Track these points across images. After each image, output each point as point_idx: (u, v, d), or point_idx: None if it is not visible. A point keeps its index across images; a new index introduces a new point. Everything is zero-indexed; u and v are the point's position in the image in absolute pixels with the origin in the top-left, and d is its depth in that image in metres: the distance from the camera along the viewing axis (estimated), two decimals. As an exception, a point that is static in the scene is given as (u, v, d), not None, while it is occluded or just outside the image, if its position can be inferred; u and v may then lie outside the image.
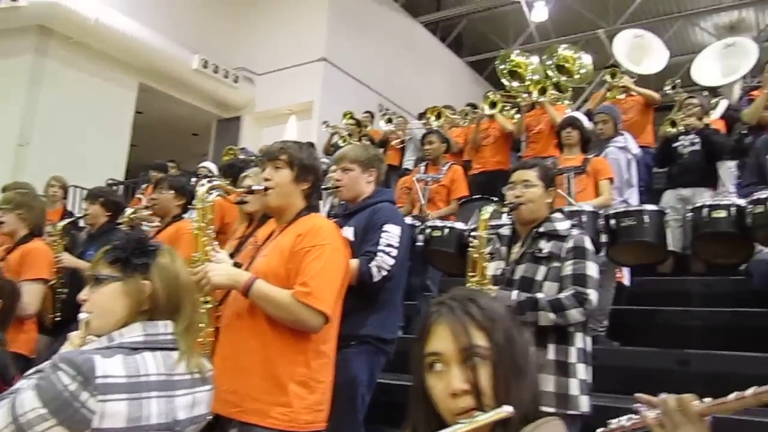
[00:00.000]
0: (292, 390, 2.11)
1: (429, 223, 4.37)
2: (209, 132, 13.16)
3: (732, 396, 1.06)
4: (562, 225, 2.56)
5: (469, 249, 2.55)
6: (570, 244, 2.49)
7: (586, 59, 7.16)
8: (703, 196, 4.73)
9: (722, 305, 4.36)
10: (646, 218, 3.72)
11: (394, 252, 2.78)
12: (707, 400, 1.10)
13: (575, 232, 2.55)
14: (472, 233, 2.56)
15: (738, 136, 5.53)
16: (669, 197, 5.01)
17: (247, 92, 12.58)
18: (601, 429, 1.33)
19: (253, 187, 2.41)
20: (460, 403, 1.11)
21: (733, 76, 6.86)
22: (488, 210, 2.57)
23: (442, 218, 4.86)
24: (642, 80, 6.78)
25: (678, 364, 3.53)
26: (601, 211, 3.89)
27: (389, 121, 8.14)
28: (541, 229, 2.57)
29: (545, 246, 2.51)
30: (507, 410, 1.06)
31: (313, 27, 12.09)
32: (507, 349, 1.13)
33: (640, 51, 7.00)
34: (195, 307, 1.79)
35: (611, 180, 4.36)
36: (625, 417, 1.29)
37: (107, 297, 1.65)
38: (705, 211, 3.64)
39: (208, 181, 2.48)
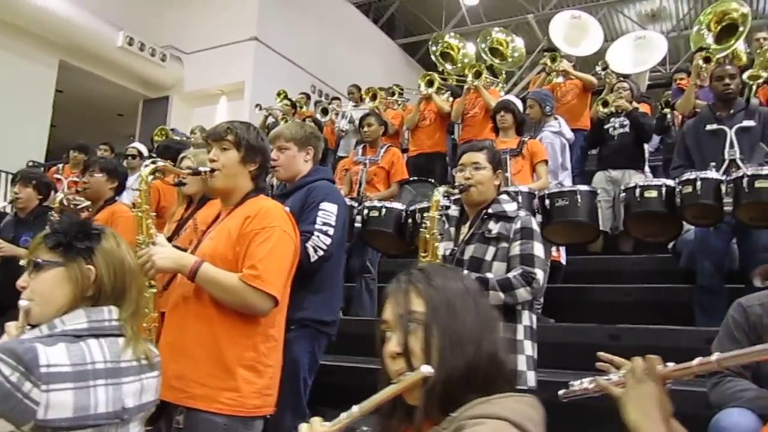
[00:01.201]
0: (240, 374, 2.07)
1: (367, 204, 4.38)
2: (135, 112, 12.74)
3: (695, 361, 1.11)
4: (510, 206, 2.62)
5: (421, 229, 2.55)
6: (518, 225, 2.54)
7: (519, 42, 7.30)
8: (633, 178, 4.93)
9: (649, 282, 4.57)
10: (579, 198, 3.84)
11: (331, 231, 2.75)
12: (670, 364, 1.16)
13: (522, 213, 2.61)
14: (424, 214, 2.56)
15: (659, 115, 5.79)
16: (599, 178, 5.18)
17: (176, 71, 12.22)
18: (563, 390, 1.38)
19: (200, 169, 2.32)
20: (395, 365, 1.17)
21: (642, 67, 7.22)
22: (440, 191, 2.58)
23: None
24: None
25: (609, 338, 3.68)
26: (536, 192, 3.99)
27: (324, 112, 8.05)
28: (490, 210, 2.61)
29: (494, 227, 2.56)
30: (425, 370, 1.10)
31: (245, 5, 11.86)
32: (444, 316, 1.16)
33: (577, 32, 7.18)
34: (140, 292, 1.74)
35: (546, 162, 4.47)
36: (587, 379, 1.35)
37: (49, 283, 1.58)
38: (637, 191, 3.78)
39: (152, 162, 2.39)
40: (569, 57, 6.69)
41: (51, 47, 10.49)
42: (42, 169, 9.74)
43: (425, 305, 1.17)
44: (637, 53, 7.00)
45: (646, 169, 5.54)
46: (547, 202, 3.88)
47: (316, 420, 1.15)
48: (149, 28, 11.70)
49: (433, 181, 5.85)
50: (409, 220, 4.13)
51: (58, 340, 1.48)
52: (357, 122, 7.42)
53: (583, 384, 1.37)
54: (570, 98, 6.26)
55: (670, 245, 4.39)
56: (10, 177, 9.14)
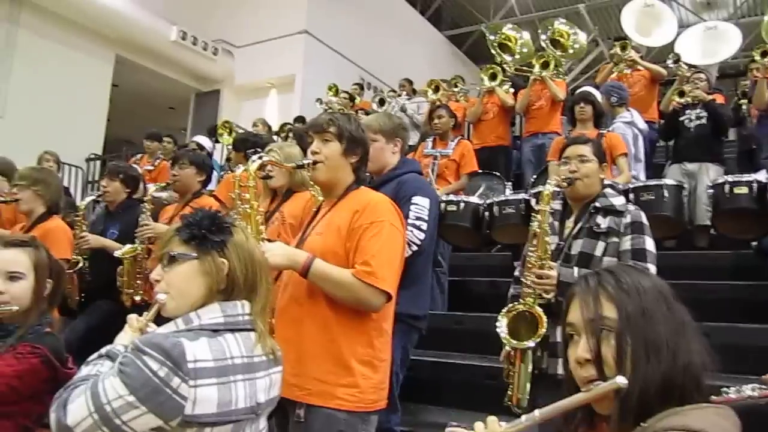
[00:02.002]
0: (358, 370, 2.06)
1: (443, 198, 4.32)
2: (187, 105, 12.89)
3: None
4: (618, 200, 2.56)
5: (531, 223, 2.50)
6: (628, 219, 2.48)
7: (582, 36, 7.10)
8: (710, 171, 4.78)
9: (729, 279, 4.42)
10: (666, 193, 3.74)
11: (424, 225, 2.73)
12: None
13: (631, 207, 2.55)
14: (535, 207, 2.51)
15: (734, 106, 5.59)
16: (674, 171, 5.03)
17: (227, 65, 12.32)
18: (715, 398, 1.31)
19: (303, 162, 2.30)
20: (583, 372, 1.13)
21: (712, 59, 6.89)
22: (552, 184, 2.52)
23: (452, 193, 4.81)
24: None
25: (701, 336, 3.56)
26: (619, 186, 3.89)
27: (381, 102, 8.02)
28: (598, 204, 2.55)
29: (603, 221, 2.50)
30: (620, 381, 1.05)
31: (294, -1, 11.86)
32: (639, 323, 1.10)
33: (650, 20, 6.95)
34: (269, 286, 1.71)
35: (626, 155, 4.36)
36: (749, 386, 1.28)
37: (184, 276, 1.57)
38: (726, 187, 3.66)
39: (258, 158, 2.37)
40: (637, 47, 6.51)
41: (108, 42, 10.69)
42: (100, 161, 9.99)
43: (617, 311, 1.12)
44: (707, 44, 6.72)
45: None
46: (632, 196, 3.79)
47: (493, 420, 1.12)
48: (201, 22, 11.82)
49: (498, 174, 5.79)
50: (486, 214, 4.07)
51: (198, 334, 1.48)
52: (409, 113, 7.42)
53: (743, 391, 1.30)
54: (638, 89, 6.10)
55: (754, 243, 4.24)
56: (72, 169, 9.40)
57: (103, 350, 1.59)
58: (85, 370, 1.53)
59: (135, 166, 6.18)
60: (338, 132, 2.26)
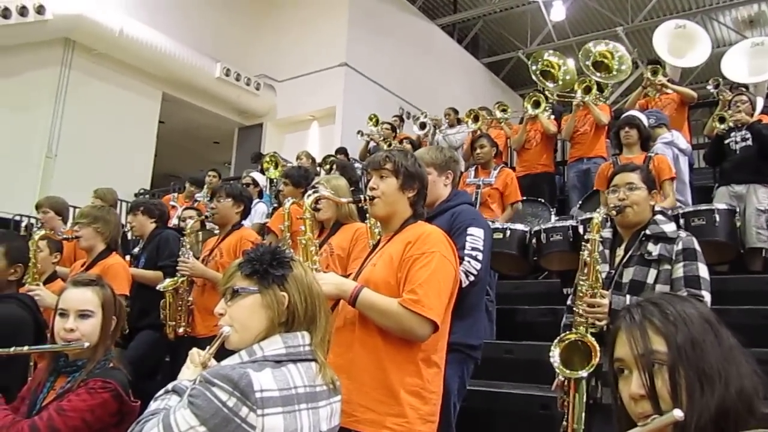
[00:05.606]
0: (406, 400, 2.08)
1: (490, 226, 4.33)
2: (231, 140, 13.19)
3: None
4: (669, 227, 2.53)
5: (582, 252, 2.50)
6: (679, 246, 2.46)
7: (624, 52, 6.98)
8: (758, 192, 4.69)
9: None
10: (717, 217, 3.67)
11: (480, 256, 2.73)
12: None
13: (683, 234, 2.52)
14: (585, 236, 2.51)
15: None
16: (722, 194, 4.94)
17: (269, 99, 12.60)
18: None
19: (360, 197, 2.37)
20: (638, 408, 1.12)
21: (760, 76, 6.70)
22: (601, 213, 2.52)
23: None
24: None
25: (758, 363, 3.46)
26: (669, 211, 3.84)
27: (423, 126, 8.09)
28: (648, 232, 2.53)
29: (654, 248, 2.48)
30: (676, 415, 1.04)
31: (334, 32, 12.12)
32: (690, 354, 1.10)
33: (683, 42, 6.85)
34: (328, 317, 1.76)
35: (672, 180, 4.30)
36: None
37: (247, 310, 1.62)
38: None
39: (313, 192, 2.45)
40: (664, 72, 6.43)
41: (155, 81, 11.09)
42: (149, 196, 10.25)
43: (666, 343, 1.12)
44: (753, 60, 6.55)
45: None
46: (682, 221, 3.74)
47: None
48: (244, 58, 12.17)
49: (543, 200, 5.77)
50: (533, 241, 4.06)
51: (263, 365, 1.52)
52: (453, 143, 7.45)
53: None
54: (668, 113, 6.01)
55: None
56: (125, 205, 9.69)
57: (169, 386, 1.64)
58: (153, 405, 1.59)
59: (173, 204, 6.33)
60: (394, 168, 2.32)
